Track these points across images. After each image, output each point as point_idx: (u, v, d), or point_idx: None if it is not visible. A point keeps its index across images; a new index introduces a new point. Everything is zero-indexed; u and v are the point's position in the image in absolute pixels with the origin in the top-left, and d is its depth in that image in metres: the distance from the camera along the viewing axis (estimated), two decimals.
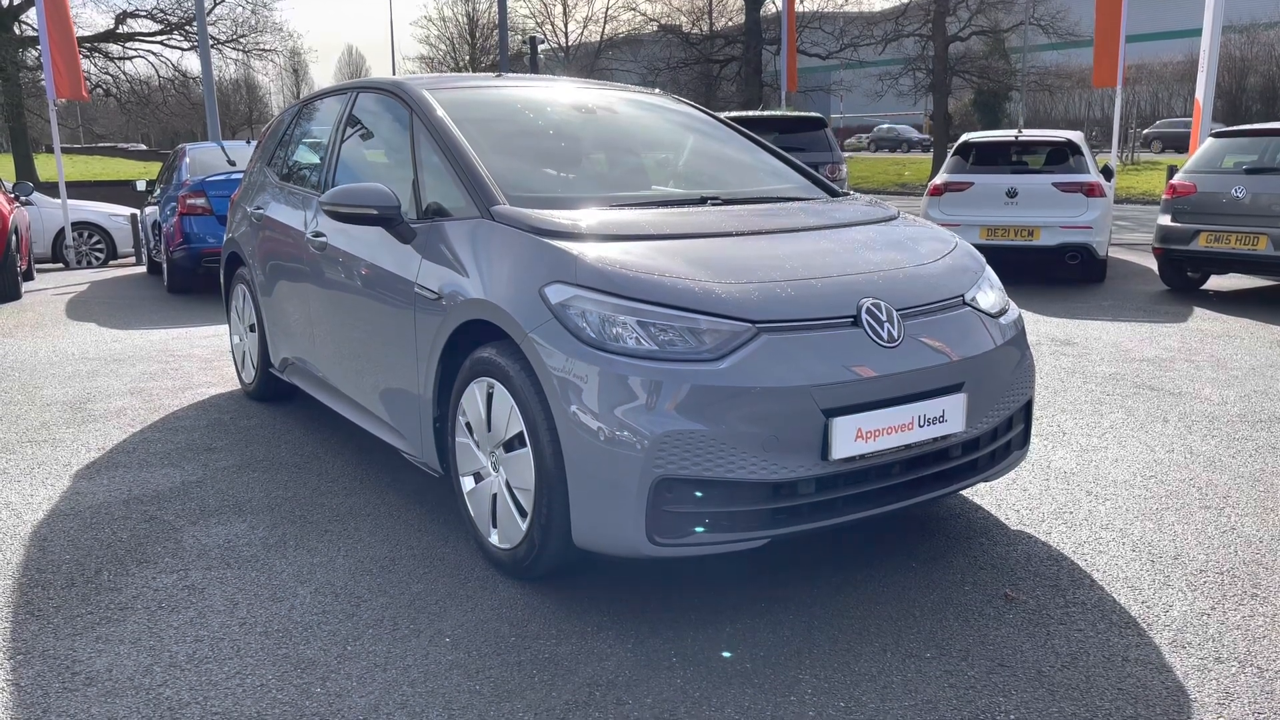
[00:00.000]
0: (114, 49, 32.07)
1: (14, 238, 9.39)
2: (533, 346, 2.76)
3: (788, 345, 2.69)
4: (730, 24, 41.78)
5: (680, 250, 2.94)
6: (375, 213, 3.43)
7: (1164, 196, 8.77)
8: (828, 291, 2.86)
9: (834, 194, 3.99)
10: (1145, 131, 39.13)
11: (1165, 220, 8.59)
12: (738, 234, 3.16)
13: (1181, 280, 8.86)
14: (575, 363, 2.66)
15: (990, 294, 3.26)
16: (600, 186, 3.78)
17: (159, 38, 32.08)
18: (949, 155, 10.22)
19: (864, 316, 2.81)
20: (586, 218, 3.12)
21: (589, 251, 2.86)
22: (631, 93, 4.61)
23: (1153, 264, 9.61)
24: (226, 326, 5.78)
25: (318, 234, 4.11)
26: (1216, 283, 9.17)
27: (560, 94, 4.35)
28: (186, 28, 31.14)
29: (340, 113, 4.43)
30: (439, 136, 3.55)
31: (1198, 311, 7.81)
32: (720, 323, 2.68)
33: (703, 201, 3.51)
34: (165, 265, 9.70)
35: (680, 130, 4.40)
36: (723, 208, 3.46)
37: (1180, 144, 33.40)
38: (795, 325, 2.74)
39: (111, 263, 13.28)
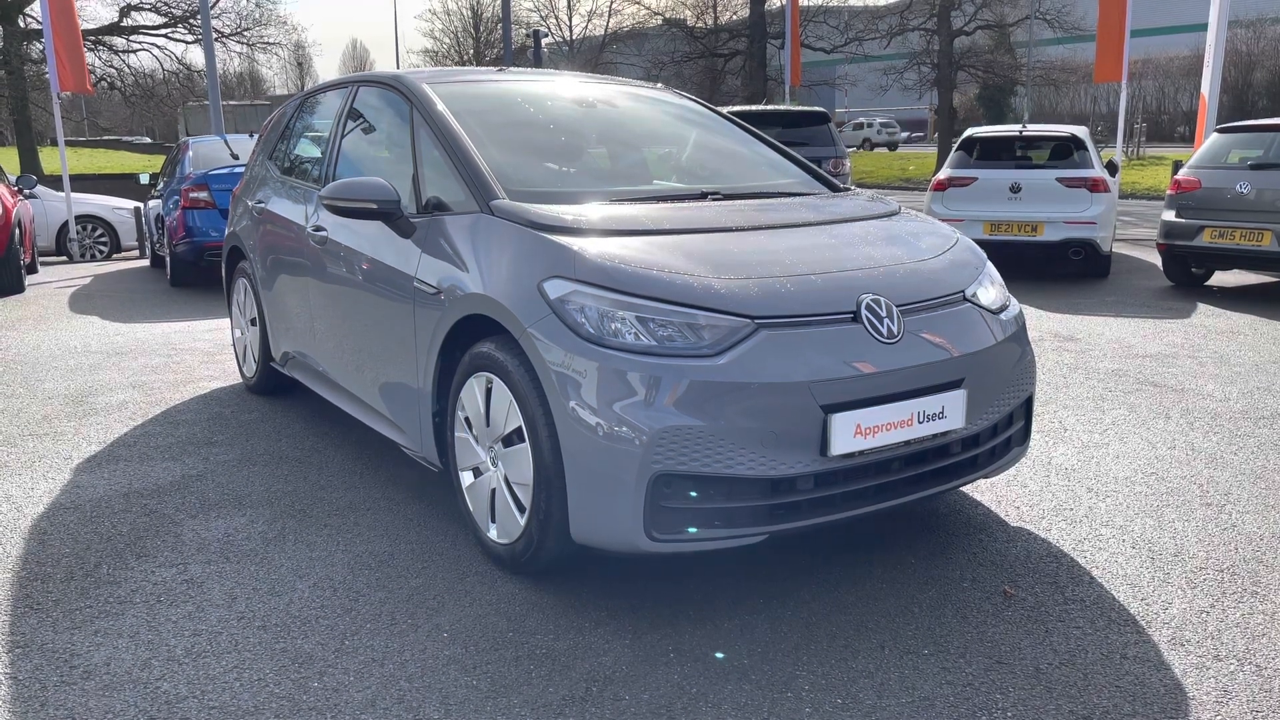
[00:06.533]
0: (118, 42, 32.02)
1: (17, 231, 9.40)
2: (531, 342, 2.75)
3: (787, 341, 2.68)
4: (735, 18, 41.69)
5: (680, 245, 2.93)
6: (375, 207, 3.42)
7: (1168, 192, 8.74)
8: (827, 287, 2.85)
9: (835, 189, 3.98)
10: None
11: (1169, 215, 8.56)
12: (737, 229, 3.15)
13: (1185, 276, 8.84)
14: (574, 358, 2.66)
15: (991, 289, 3.24)
16: (600, 181, 3.77)
17: (163, 31, 32.05)
18: (953, 150, 10.20)
19: (864, 312, 2.80)
20: (586, 212, 3.11)
21: (588, 246, 2.86)
22: (633, 87, 4.59)
23: (1157, 259, 9.58)
24: (228, 320, 5.78)
25: (318, 228, 4.11)
26: (1221, 278, 9.15)
27: (561, 89, 4.34)
28: (190, 21, 31.08)
29: (341, 106, 4.42)
30: (439, 131, 3.55)
31: (1201, 307, 7.79)
32: (719, 318, 2.67)
33: (703, 196, 3.50)
34: (168, 258, 9.71)
35: (681, 125, 4.39)
36: (723, 203, 3.45)
37: None
38: (795, 321, 2.73)
39: (115, 256, 13.29)
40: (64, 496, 3.77)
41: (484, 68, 5.56)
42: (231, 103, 44.88)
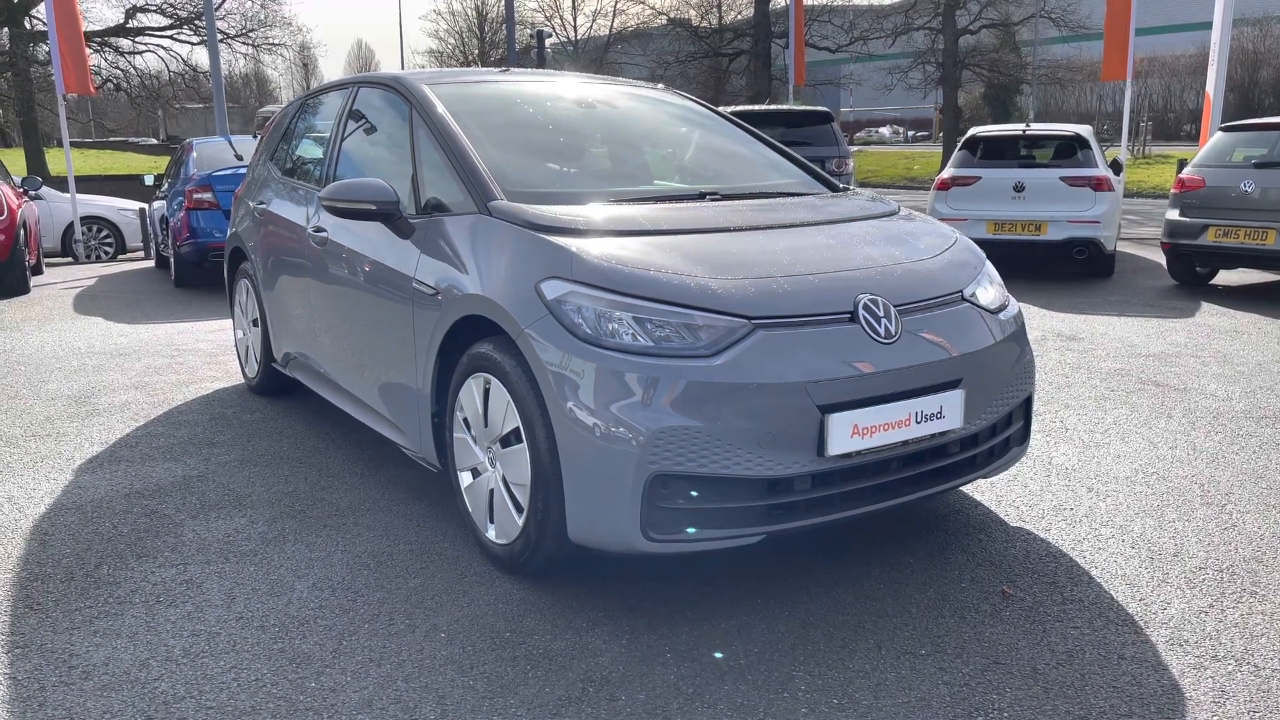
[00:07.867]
0: (124, 43, 32.12)
1: (22, 232, 9.43)
2: (528, 342, 2.76)
3: (784, 341, 2.68)
4: (739, 17, 41.67)
5: (677, 246, 2.93)
6: (374, 208, 3.43)
7: (1172, 191, 8.72)
8: (825, 287, 2.85)
9: (834, 189, 3.98)
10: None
11: (1173, 215, 8.54)
12: (735, 229, 3.15)
13: (1190, 275, 8.82)
14: (571, 359, 2.66)
15: (990, 289, 3.24)
16: (599, 182, 3.77)
17: (168, 32, 32.13)
18: (956, 149, 10.18)
19: (861, 312, 2.80)
20: (583, 213, 3.11)
21: (586, 247, 2.86)
22: (633, 88, 4.59)
23: (1161, 259, 9.56)
24: (231, 321, 5.80)
25: (319, 229, 4.12)
26: (1225, 278, 9.12)
27: (561, 89, 4.34)
28: (196, 22, 31.15)
29: (341, 107, 4.43)
30: (438, 132, 3.55)
31: (1205, 307, 7.77)
32: (716, 319, 2.67)
33: (701, 197, 3.50)
34: (172, 259, 9.73)
35: (681, 125, 4.39)
36: (721, 203, 3.45)
37: None
38: (792, 321, 2.73)
39: (120, 257, 13.33)
40: (65, 497, 3.78)
41: (487, 68, 5.57)
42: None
